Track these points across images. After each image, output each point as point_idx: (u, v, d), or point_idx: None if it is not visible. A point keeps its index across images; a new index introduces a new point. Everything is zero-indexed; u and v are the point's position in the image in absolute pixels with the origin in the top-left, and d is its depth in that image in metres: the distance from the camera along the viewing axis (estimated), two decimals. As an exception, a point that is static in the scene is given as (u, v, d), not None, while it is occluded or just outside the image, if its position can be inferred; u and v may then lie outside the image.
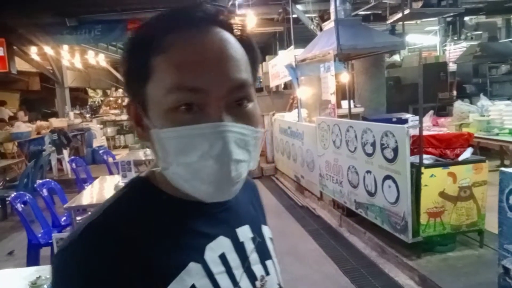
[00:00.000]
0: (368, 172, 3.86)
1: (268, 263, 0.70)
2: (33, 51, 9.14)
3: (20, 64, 9.58)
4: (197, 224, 0.62)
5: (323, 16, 7.69)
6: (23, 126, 8.34)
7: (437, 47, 12.62)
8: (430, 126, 5.38)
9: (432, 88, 8.66)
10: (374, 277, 3.37)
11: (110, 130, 11.79)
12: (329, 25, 5.26)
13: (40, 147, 8.37)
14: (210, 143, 0.54)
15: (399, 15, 5.84)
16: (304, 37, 6.99)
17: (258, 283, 0.65)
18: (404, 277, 3.32)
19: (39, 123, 9.43)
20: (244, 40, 0.59)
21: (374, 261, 3.66)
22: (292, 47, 6.17)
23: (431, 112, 5.89)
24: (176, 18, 0.57)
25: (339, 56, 4.45)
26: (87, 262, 0.53)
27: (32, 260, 3.30)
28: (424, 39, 13.54)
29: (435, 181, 3.26)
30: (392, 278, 3.34)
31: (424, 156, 3.29)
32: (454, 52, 11.70)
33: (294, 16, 6.63)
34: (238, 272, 0.63)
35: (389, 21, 5.88)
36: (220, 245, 0.62)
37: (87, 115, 13.24)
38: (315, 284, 3.34)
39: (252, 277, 0.65)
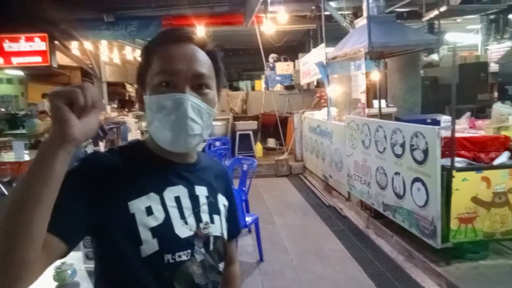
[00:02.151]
0: (397, 173, 3.76)
1: (216, 216, 0.96)
2: (73, 45, 9.53)
3: (61, 59, 10.01)
4: (166, 173, 0.91)
5: (357, 13, 7.53)
6: (62, 118, 8.70)
7: (479, 47, 12.05)
8: (466, 128, 5.15)
9: (471, 89, 8.29)
10: (400, 282, 3.28)
11: (144, 124, 12.09)
12: (361, 22, 5.15)
13: (78, 138, 8.71)
14: (175, 104, 0.84)
15: (436, 12, 5.62)
16: (337, 35, 6.87)
17: (202, 225, 0.92)
18: (431, 283, 3.21)
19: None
20: (211, 54, 0.92)
21: (400, 265, 3.57)
22: (323, 44, 6.09)
23: (468, 113, 5.63)
24: (166, 36, 0.90)
25: (370, 54, 4.34)
26: (84, 166, 0.83)
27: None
28: (465, 38, 12.97)
29: (468, 185, 3.12)
30: (418, 283, 3.24)
31: (456, 159, 3.17)
32: (496, 51, 11.12)
33: (327, 13, 6.52)
34: (188, 212, 0.90)
35: (424, 19, 5.66)
36: (178, 190, 0.90)
37: (114, 106, 13.60)
38: (338, 285, 3.30)
39: (198, 219, 0.91)
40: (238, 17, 7.98)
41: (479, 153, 3.19)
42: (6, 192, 5.69)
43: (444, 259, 3.27)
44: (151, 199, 0.85)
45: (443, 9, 4.83)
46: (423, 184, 3.32)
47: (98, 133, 8.58)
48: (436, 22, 7.31)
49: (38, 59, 8.36)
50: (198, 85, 0.88)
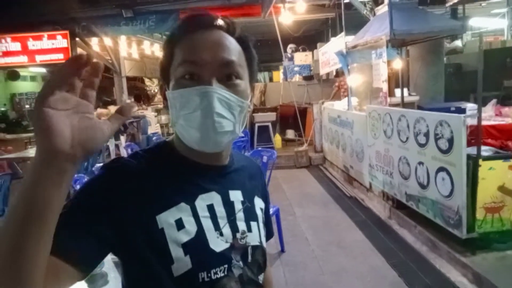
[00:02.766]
0: (421, 163, 3.69)
1: (253, 223, 0.86)
2: (93, 42, 9.68)
3: (82, 55, 10.18)
4: (197, 178, 0.81)
5: (377, 1, 7.36)
6: (85, 113, 8.89)
7: (505, 31, 11.63)
8: (493, 116, 4.98)
9: (497, 75, 8.01)
10: (424, 272, 3.24)
11: (164, 118, 12.24)
12: (382, 9, 5.04)
13: (100, 133, 8.90)
14: (200, 99, 0.74)
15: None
16: (357, 24, 6.74)
17: (238, 235, 0.82)
18: (456, 274, 3.16)
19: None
20: (242, 40, 0.81)
21: (424, 256, 3.52)
22: (343, 33, 5.99)
23: (494, 101, 5.44)
24: (192, 21, 0.79)
25: (392, 42, 4.25)
26: (108, 179, 0.75)
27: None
28: (490, 23, 12.53)
29: (494, 174, 3.04)
30: (443, 274, 3.19)
31: (483, 147, 3.08)
32: (524, 36, 10.73)
33: (346, 1, 6.41)
34: (222, 222, 0.80)
35: (448, 4, 5.48)
36: (211, 197, 0.81)
37: (130, 100, 13.76)
38: (361, 276, 3.28)
39: (234, 229, 0.82)
40: (256, 8, 7.92)
41: (507, 141, 3.09)
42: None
43: (469, 249, 3.20)
44: (181, 211, 0.75)
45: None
46: (448, 173, 3.25)
47: (119, 127, 8.77)
48: (460, 7, 7.10)
49: (60, 56, 8.53)
50: (227, 76, 0.77)
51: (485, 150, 3.10)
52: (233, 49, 0.78)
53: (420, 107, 5.86)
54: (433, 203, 3.53)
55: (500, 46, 9.70)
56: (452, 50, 10.87)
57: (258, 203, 0.92)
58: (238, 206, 0.84)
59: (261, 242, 0.87)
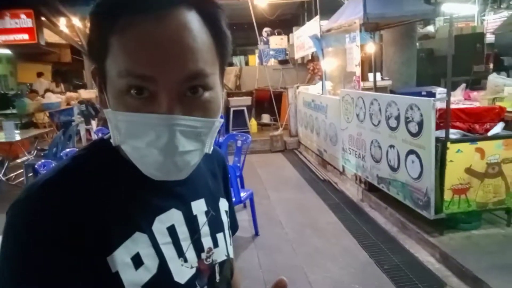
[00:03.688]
0: (392, 146, 3.75)
1: (219, 235, 0.73)
2: (61, 22, 9.29)
3: (50, 36, 9.78)
4: (151, 196, 0.63)
5: (352, -16, 7.34)
6: (53, 97, 8.59)
7: (475, 17, 11.89)
8: (461, 100, 5.11)
9: (467, 60, 8.22)
10: (394, 253, 3.32)
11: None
12: (356, -8, 5.02)
13: (70, 117, 8.64)
14: (157, 134, 0.54)
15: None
16: (331, 7, 6.72)
17: (204, 255, 0.68)
18: (425, 253, 3.26)
19: (68, 94, 9.69)
20: (209, 17, 0.57)
21: (394, 237, 3.61)
22: (317, 17, 5.96)
23: (463, 85, 5.58)
24: None
25: (365, 26, 4.25)
26: (35, 221, 0.54)
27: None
28: (461, 9, 12.76)
29: (462, 156, 3.12)
30: (412, 254, 3.28)
31: (451, 130, 3.15)
32: (493, 22, 11.00)
33: (321, -16, 6.35)
34: (186, 243, 0.66)
35: (421, -12, 5.51)
36: (171, 217, 0.65)
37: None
38: (333, 258, 3.34)
39: (199, 249, 0.68)
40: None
41: (474, 124, 3.17)
42: (-1, 173, 5.66)
43: (437, 230, 3.30)
44: (137, 242, 0.59)
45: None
46: (418, 156, 3.32)
47: (90, 112, 8.51)
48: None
49: (24, 36, 8.16)
50: (192, 89, 0.56)
51: (453, 133, 3.17)
52: (201, 47, 0.55)
53: (392, 91, 5.94)
54: (403, 185, 3.60)
55: (471, 32, 9.91)
56: (425, 35, 11.05)
57: (223, 205, 0.78)
58: (202, 219, 0.70)
59: (228, 253, 0.75)
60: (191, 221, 0.68)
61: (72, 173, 0.59)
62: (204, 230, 0.70)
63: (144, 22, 0.52)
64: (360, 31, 4.33)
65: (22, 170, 5.84)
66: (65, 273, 0.53)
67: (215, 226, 0.73)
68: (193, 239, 0.67)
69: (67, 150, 4.45)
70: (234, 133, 5.45)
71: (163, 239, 0.62)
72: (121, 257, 0.57)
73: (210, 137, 0.60)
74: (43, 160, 3.72)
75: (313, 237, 3.75)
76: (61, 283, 0.53)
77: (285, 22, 12.13)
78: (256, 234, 3.83)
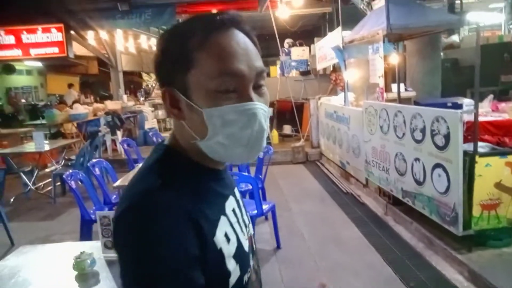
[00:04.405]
0: (417, 159, 3.67)
1: (246, 215, 0.90)
2: (89, 36, 9.59)
3: (78, 49, 10.10)
4: (217, 186, 0.79)
5: (375, -5, 7.30)
6: (80, 108, 8.83)
7: (502, 26, 11.60)
8: (489, 111, 4.97)
9: (494, 70, 7.98)
10: (420, 269, 3.23)
11: (161, 113, 12.17)
12: (379, 3, 4.99)
13: (96, 128, 8.86)
14: (248, 117, 0.70)
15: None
16: (353, 18, 6.69)
17: (246, 229, 0.85)
18: (452, 271, 3.15)
19: (95, 105, 9.94)
20: (252, 38, 0.76)
21: (420, 253, 3.51)
22: (339, 28, 5.95)
23: (491, 96, 5.43)
24: (210, 22, 0.72)
25: (388, 37, 4.21)
26: (172, 215, 0.66)
27: (85, 234, 3.52)
28: (487, 17, 12.49)
29: (491, 171, 3.02)
30: (439, 271, 3.18)
31: (480, 144, 3.06)
32: (522, 30, 10.70)
33: (343, -5, 6.35)
34: (242, 222, 0.83)
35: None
36: (231, 202, 0.82)
37: (141, 98, 13.74)
38: (356, 273, 3.27)
39: (245, 224, 0.85)
40: (252, 2, 7.86)
41: (504, 138, 3.07)
42: (28, 182, 5.85)
43: (465, 246, 3.20)
44: (223, 224, 0.75)
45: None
46: (444, 170, 3.23)
47: (116, 122, 8.71)
48: (457, 1, 7.06)
49: (55, 49, 8.44)
50: (258, 84, 0.74)
51: (482, 147, 3.08)
52: (258, 53, 0.75)
53: (416, 103, 5.84)
54: (429, 199, 3.51)
55: (497, 41, 9.67)
56: (449, 45, 10.84)
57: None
58: (241, 203, 0.88)
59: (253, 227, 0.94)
60: (238, 204, 0.85)
61: (162, 176, 0.72)
62: (243, 210, 0.87)
63: (223, 38, 0.70)
64: (384, 42, 4.29)
65: (50, 180, 6.01)
66: (199, 259, 0.66)
67: (244, 208, 0.90)
68: (242, 218, 0.84)
69: (94, 160, 4.55)
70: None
71: (233, 219, 0.79)
72: (220, 237, 0.72)
73: (267, 124, 0.75)
74: (71, 170, 3.82)
75: (336, 251, 3.69)
76: (199, 267, 0.66)
77: (306, 33, 12.16)
78: (278, 247, 3.80)
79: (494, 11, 12.20)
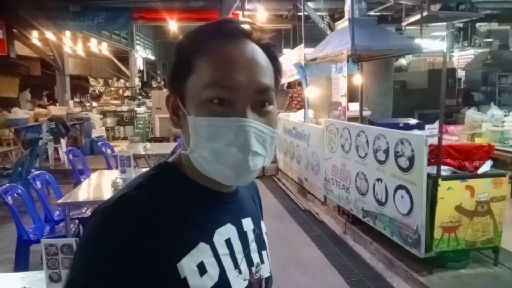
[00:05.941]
0: (379, 180, 3.68)
1: (264, 253, 0.80)
2: (34, 35, 8.94)
3: (20, 49, 9.38)
4: (211, 209, 0.71)
5: (334, 15, 7.49)
6: (20, 113, 8.13)
7: (445, 53, 12.41)
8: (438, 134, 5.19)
9: (440, 94, 8.45)
10: (382, 291, 3.20)
11: (110, 121, 11.60)
12: (342, 24, 5.07)
13: (37, 135, 8.16)
14: (235, 134, 0.64)
15: (413, 17, 5.65)
16: (312, 36, 6.79)
17: (253, 269, 0.75)
18: (413, 293, 3.15)
19: (37, 110, 9.24)
20: (270, 52, 0.70)
21: (381, 274, 3.49)
22: (302, 45, 5.98)
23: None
24: (216, 29, 0.68)
25: (352, 57, 4.26)
26: (118, 228, 0.61)
27: (21, 258, 3.11)
28: (430, 44, 13.35)
29: (452, 194, 3.08)
30: (401, 293, 3.17)
31: (442, 167, 3.12)
32: (462, 58, 11.52)
33: (305, 13, 6.42)
34: (240, 256, 0.72)
35: (404, 23, 5.67)
36: (227, 231, 0.72)
37: (87, 104, 13.01)
38: (319, 296, 3.18)
39: (250, 263, 0.74)
40: (214, 13, 7.74)
41: (464, 162, 3.16)
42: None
43: (426, 268, 3.22)
44: (201, 252, 0.66)
45: (425, 13, 4.83)
46: (408, 192, 3.26)
47: (60, 130, 8.09)
48: (407, 27, 7.43)
49: (-6, 48, 7.76)
50: (260, 102, 0.67)
51: (444, 170, 3.14)
52: (267, 67, 0.68)
53: (370, 122, 5.98)
54: (391, 220, 3.52)
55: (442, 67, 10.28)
56: (398, 68, 11.41)
57: (263, 227, 0.85)
58: (250, 236, 0.77)
59: (270, 272, 0.81)
60: (243, 236, 0.75)
61: (146, 186, 0.68)
62: (253, 246, 0.76)
63: (227, 46, 0.66)
64: (347, 62, 4.33)
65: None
66: (138, 277, 0.60)
67: (260, 243, 0.79)
68: (245, 253, 0.74)
69: (35, 172, 4.11)
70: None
71: (222, 250, 0.69)
72: (188, 264, 0.64)
73: (270, 148, 0.69)
74: (7, 184, 3.40)
75: (298, 273, 3.58)
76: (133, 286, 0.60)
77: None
78: (238, 268, 3.62)
79: (437, 39, 13.07)
